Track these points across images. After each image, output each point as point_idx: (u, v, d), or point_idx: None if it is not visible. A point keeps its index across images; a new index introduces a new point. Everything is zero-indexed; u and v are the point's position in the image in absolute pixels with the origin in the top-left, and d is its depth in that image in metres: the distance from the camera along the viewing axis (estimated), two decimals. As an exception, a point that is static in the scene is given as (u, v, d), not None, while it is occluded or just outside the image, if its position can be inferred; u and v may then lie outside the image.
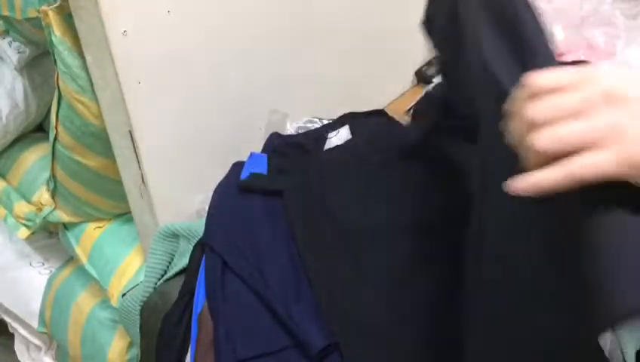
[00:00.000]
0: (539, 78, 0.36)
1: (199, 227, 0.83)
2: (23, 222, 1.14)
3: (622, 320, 0.45)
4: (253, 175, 0.84)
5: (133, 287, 0.94)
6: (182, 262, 0.84)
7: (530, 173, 0.36)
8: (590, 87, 0.35)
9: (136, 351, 0.98)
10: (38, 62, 1.22)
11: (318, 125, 1.04)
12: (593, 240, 0.40)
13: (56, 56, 0.85)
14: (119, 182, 0.94)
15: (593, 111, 0.35)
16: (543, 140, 0.35)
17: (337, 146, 0.91)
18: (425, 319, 0.64)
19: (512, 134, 0.39)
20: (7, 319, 1.36)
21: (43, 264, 1.25)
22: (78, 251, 1.10)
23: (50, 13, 0.82)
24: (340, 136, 0.95)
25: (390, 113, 1.02)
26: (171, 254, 0.88)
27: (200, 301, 0.74)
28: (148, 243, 0.95)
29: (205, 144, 0.94)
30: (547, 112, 0.36)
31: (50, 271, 1.24)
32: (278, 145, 0.92)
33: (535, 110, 0.36)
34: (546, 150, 0.35)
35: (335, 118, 1.07)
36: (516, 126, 0.38)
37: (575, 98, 0.35)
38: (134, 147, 0.84)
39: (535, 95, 0.36)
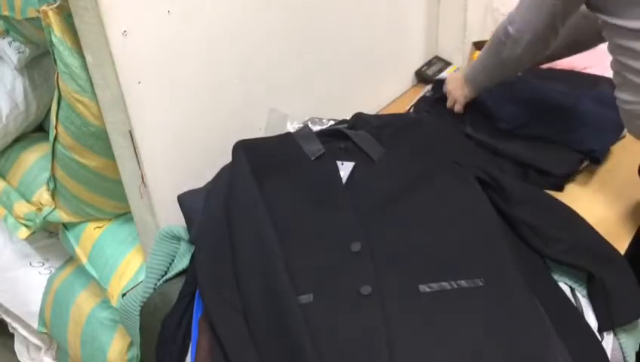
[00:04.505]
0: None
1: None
2: (23, 222, 1.14)
3: None
4: None
5: (133, 287, 0.94)
6: (182, 263, 0.84)
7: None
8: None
9: (136, 351, 0.98)
10: (38, 62, 1.22)
11: (318, 125, 1.04)
12: None
13: (56, 56, 0.85)
14: (119, 182, 0.94)
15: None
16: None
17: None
18: None
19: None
20: (7, 319, 1.36)
21: (43, 264, 1.25)
22: (78, 251, 1.09)
23: (50, 13, 0.82)
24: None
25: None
26: (172, 256, 0.88)
27: (201, 304, 0.74)
28: (148, 243, 0.95)
29: (205, 144, 0.94)
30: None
31: (50, 271, 1.24)
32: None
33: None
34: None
35: (333, 118, 1.07)
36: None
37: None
38: (134, 147, 0.84)
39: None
